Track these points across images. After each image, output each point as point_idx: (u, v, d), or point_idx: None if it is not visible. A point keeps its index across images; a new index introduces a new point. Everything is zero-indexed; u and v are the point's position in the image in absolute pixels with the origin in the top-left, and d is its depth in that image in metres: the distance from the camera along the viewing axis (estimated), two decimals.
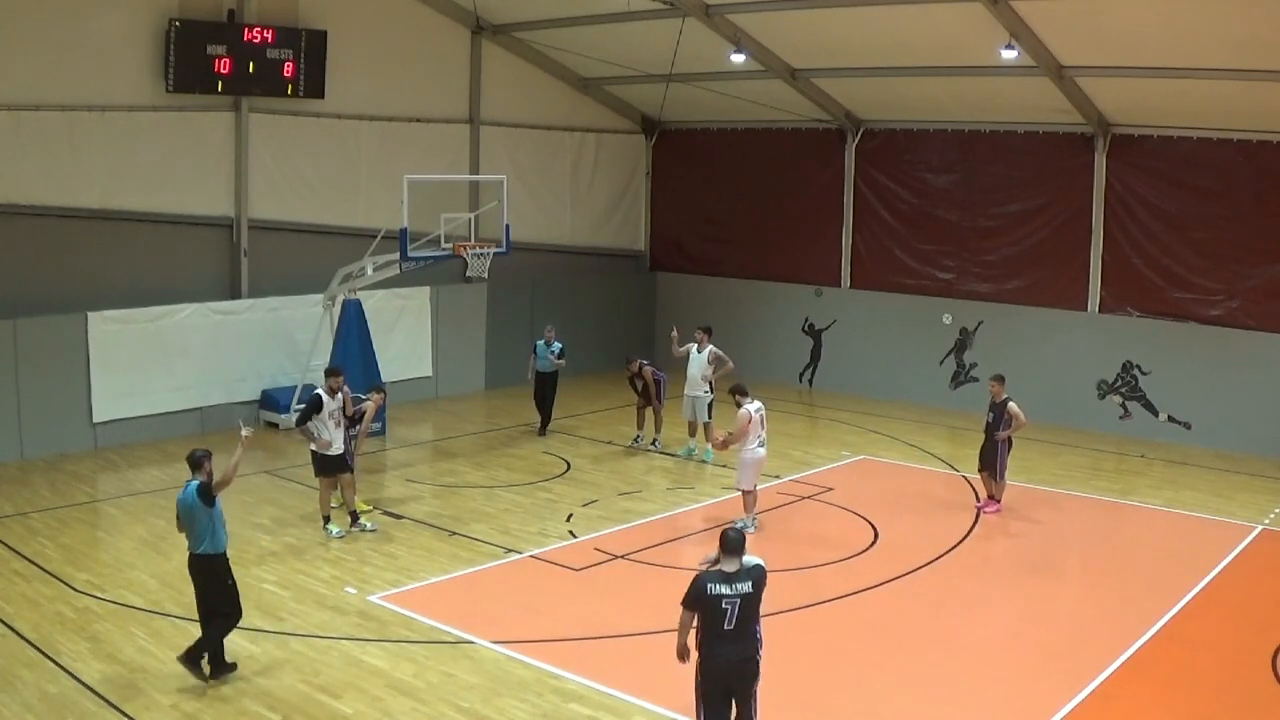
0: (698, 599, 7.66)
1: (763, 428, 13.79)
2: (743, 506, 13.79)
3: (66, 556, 12.38)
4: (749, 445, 13.61)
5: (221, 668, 9.37)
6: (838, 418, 20.26)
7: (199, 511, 9.26)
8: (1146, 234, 18.97)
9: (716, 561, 7.74)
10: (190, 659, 9.21)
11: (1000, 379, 14.67)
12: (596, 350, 22.50)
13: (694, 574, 7.80)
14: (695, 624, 7.78)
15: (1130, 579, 12.33)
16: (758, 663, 7.78)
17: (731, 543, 7.76)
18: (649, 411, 17.86)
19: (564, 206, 23.70)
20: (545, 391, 18.60)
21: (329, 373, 13.66)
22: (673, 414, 17.98)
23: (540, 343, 18.57)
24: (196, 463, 9.45)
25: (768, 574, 7.84)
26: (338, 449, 13.27)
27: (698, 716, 7.87)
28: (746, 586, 7.64)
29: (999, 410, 14.45)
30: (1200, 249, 18.44)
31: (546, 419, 18.69)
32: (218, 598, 9.35)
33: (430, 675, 9.63)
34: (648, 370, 17.67)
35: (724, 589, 7.59)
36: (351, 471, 14.06)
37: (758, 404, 13.82)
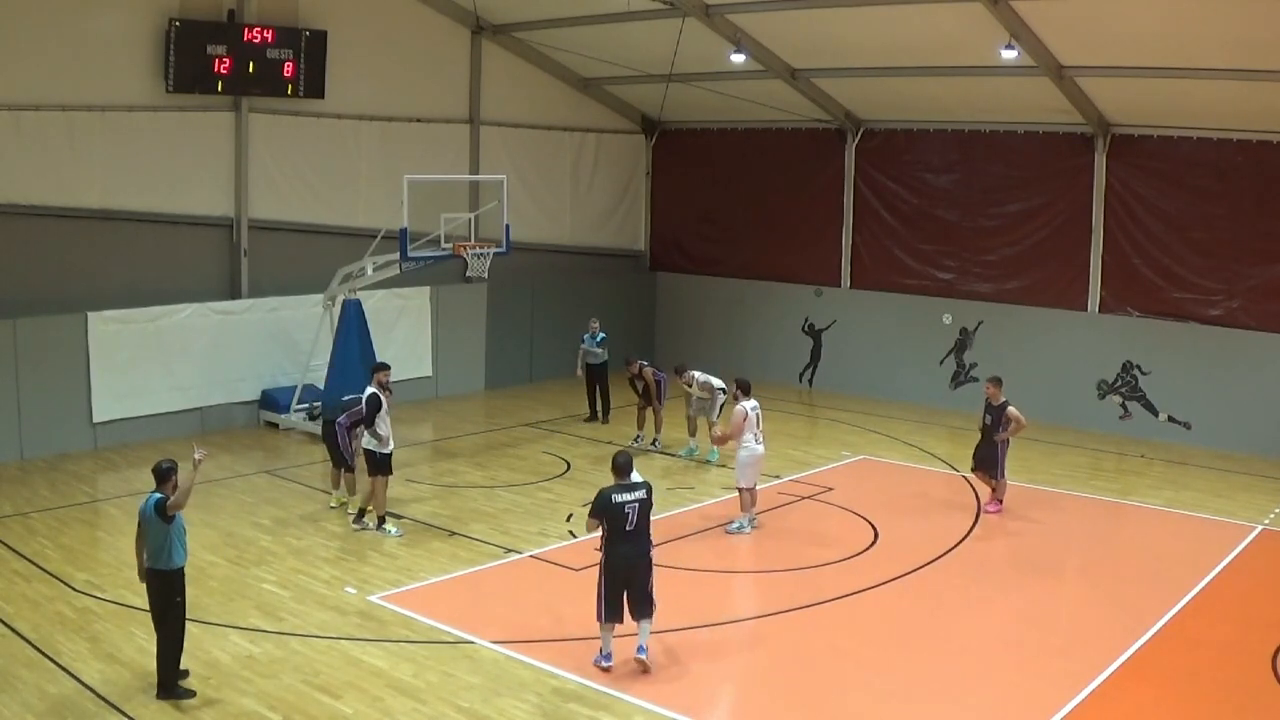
0: (604, 508, 9.51)
1: (758, 426, 13.83)
2: (739, 505, 13.80)
3: (66, 556, 12.38)
4: (746, 443, 13.64)
5: (173, 689, 9.09)
6: (838, 418, 20.26)
7: (156, 527, 8.93)
8: (1146, 234, 18.97)
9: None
10: (166, 689, 9.06)
11: (998, 381, 14.59)
12: None
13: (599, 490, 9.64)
14: (600, 530, 9.62)
15: (1130, 579, 12.33)
16: (650, 558, 9.66)
17: (621, 465, 9.74)
18: (649, 412, 17.87)
19: (564, 206, 23.70)
20: (595, 382, 19.30)
21: (381, 368, 13.77)
22: (673, 414, 17.98)
23: (586, 335, 19.18)
24: (162, 475, 9.01)
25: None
26: (391, 446, 13.43)
27: (599, 606, 9.60)
28: (642, 493, 9.59)
29: (997, 413, 14.40)
30: (1200, 249, 18.44)
31: (605, 409, 19.45)
32: (164, 613, 9.06)
33: (430, 675, 9.63)
34: (648, 371, 17.69)
35: (626, 496, 9.53)
36: (353, 471, 14.11)
37: (754, 402, 13.88)
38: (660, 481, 15.91)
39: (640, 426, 18.00)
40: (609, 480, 15.86)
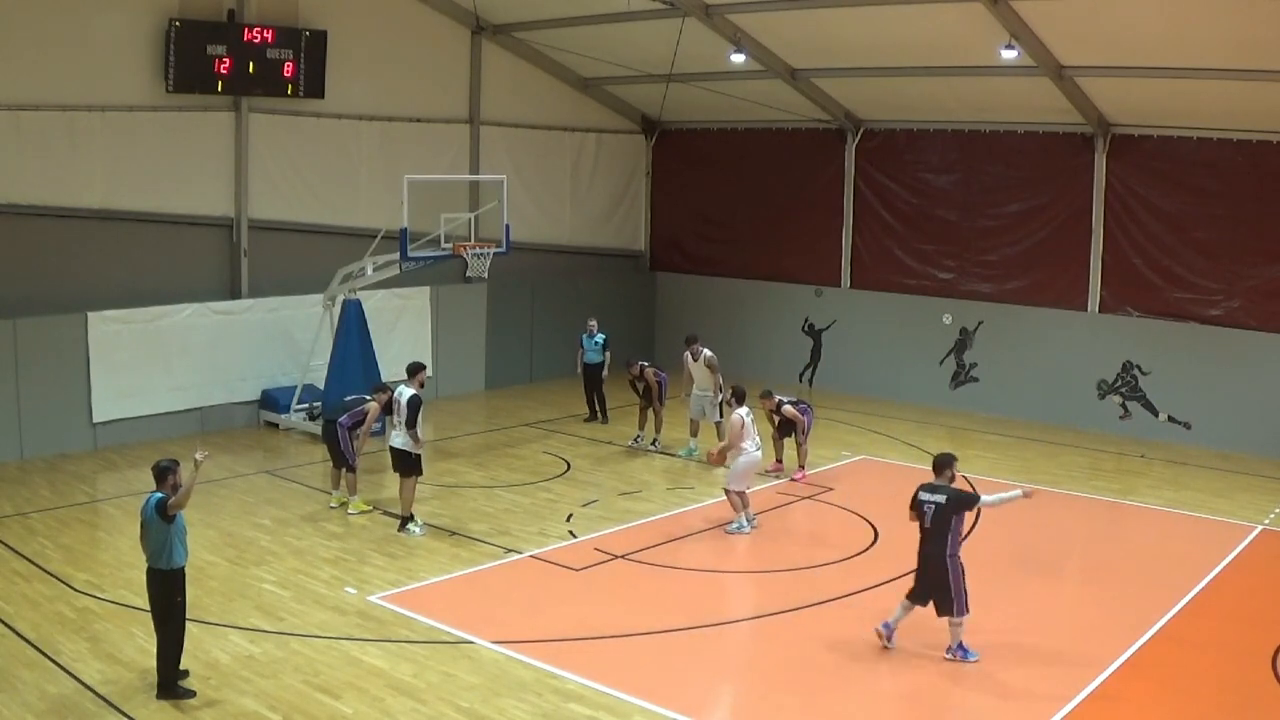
0: (913, 503, 10.15)
1: (755, 431, 13.88)
2: (731, 507, 13.79)
3: (66, 556, 12.38)
4: (745, 449, 13.66)
5: (173, 689, 9.10)
6: (838, 418, 20.24)
7: (157, 526, 8.92)
8: (1146, 234, 18.97)
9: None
10: (166, 689, 9.07)
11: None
12: None
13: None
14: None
15: (1130, 579, 12.33)
16: (944, 559, 9.90)
17: (935, 462, 10.33)
18: (650, 412, 17.87)
19: (564, 206, 23.70)
20: (593, 383, 19.26)
21: (421, 368, 13.87)
22: (674, 415, 17.96)
23: (584, 335, 19.19)
24: (161, 474, 9.00)
25: (962, 503, 10.06)
26: (423, 447, 13.54)
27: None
28: (941, 498, 9.97)
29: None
30: (1200, 249, 18.44)
31: (603, 409, 19.43)
32: (165, 613, 9.05)
33: (430, 675, 9.63)
34: (650, 371, 17.70)
35: (927, 495, 10.06)
36: (354, 471, 14.12)
37: (746, 409, 13.94)
38: (660, 481, 15.95)
39: (641, 427, 18.00)
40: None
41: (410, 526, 13.40)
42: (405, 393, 13.43)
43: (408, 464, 13.42)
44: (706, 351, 16.92)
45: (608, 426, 19.05)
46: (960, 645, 10.06)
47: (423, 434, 13.49)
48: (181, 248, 18.24)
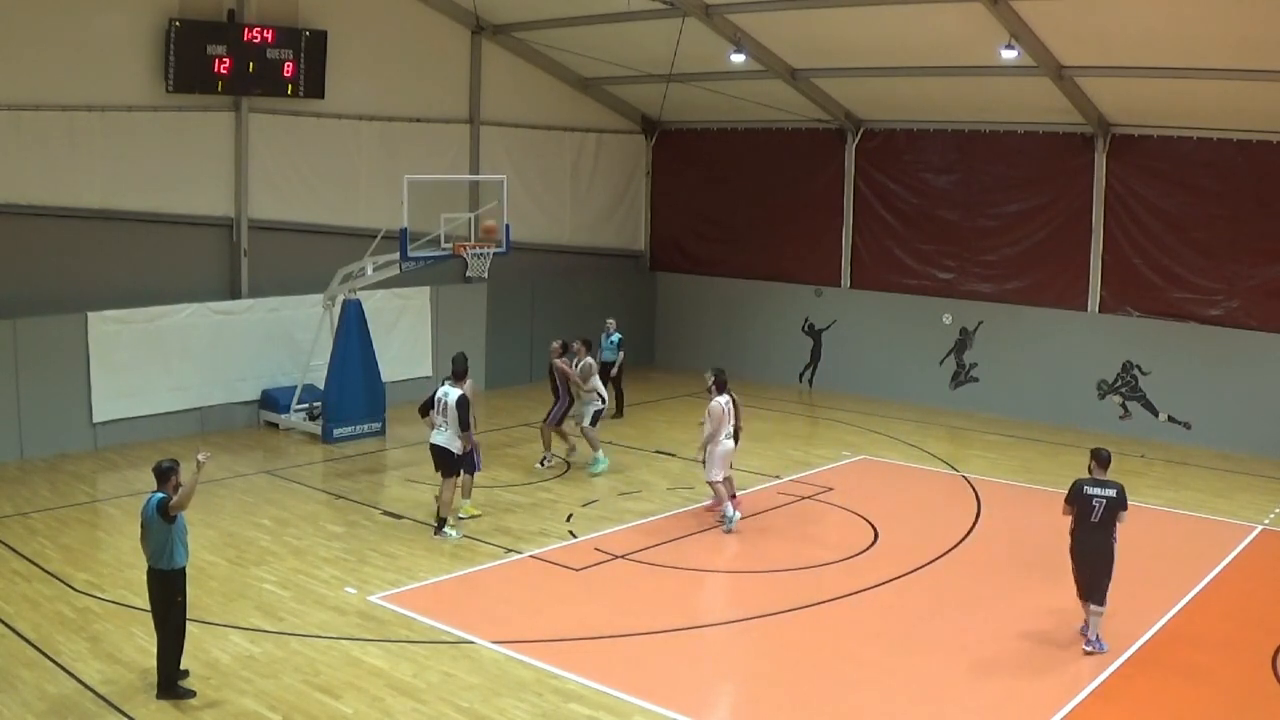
0: (1075, 496, 10.36)
1: (729, 420, 13.74)
2: (718, 499, 13.78)
3: (66, 556, 12.38)
4: (719, 438, 13.63)
5: (173, 689, 9.11)
6: (838, 418, 20.25)
7: (158, 526, 8.93)
8: (1146, 234, 18.97)
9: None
10: (166, 689, 9.08)
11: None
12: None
13: (1072, 481, 10.50)
14: (1070, 516, 10.42)
15: (1130, 579, 12.28)
16: (1112, 549, 10.27)
17: (1102, 457, 10.41)
18: (555, 431, 16.87)
19: (564, 206, 23.69)
20: (608, 380, 19.02)
21: (466, 371, 13.67)
22: (670, 417, 17.85)
23: (602, 335, 19.50)
24: (163, 475, 9.02)
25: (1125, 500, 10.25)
26: (468, 450, 13.42)
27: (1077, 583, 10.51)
28: (1111, 492, 10.21)
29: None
30: (1200, 249, 18.44)
31: (620, 403, 19.56)
32: (165, 613, 9.05)
33: (430, 675, 9.63)
34: (562, 364, 16.66)
35: (1096, 490, 10.25)
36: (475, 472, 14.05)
37: (726, 396, 13.79)
38: (660, 481, 15.94)
39: (547, 447, 16.90)
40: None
41: (447, 530, 13.32)
42: (452, 394, 13.23)
43: (449, 463, 13.30)
44: (588, 359, 16.47)
45: (620, 422, 19.04)
46: (1098, 636, 10.32)
47: (474, 436, 13.29)
48: (181, 248, 18.24)
